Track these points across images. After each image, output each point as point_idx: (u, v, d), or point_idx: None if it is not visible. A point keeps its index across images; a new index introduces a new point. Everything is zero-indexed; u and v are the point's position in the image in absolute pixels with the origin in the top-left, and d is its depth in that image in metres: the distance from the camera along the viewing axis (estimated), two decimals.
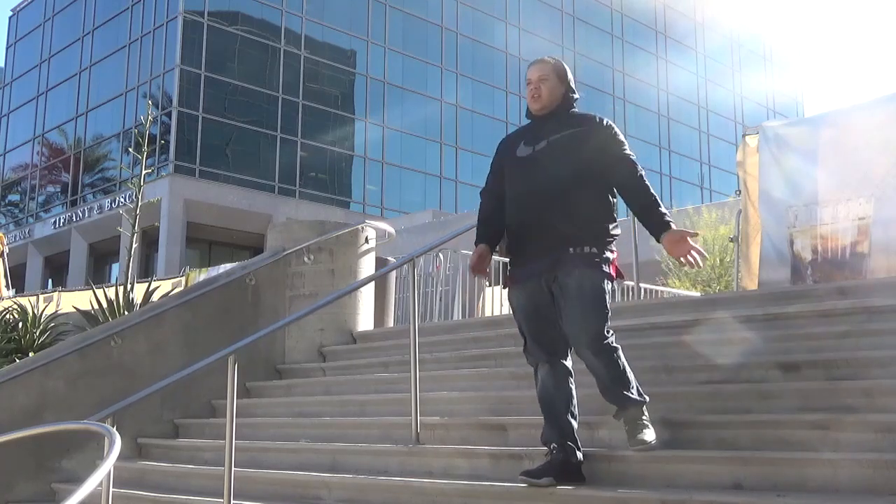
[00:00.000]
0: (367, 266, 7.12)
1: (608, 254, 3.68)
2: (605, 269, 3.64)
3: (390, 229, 7.78)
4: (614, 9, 48.74)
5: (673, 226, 3.57)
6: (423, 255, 6.06)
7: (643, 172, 3.77)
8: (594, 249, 3.63)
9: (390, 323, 7.88)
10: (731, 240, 9.14)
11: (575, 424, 3.61)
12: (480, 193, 4.03)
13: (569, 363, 3.73)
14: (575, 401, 3.67)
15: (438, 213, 28.68)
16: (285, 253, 6.86)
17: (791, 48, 58.60)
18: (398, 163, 39.63)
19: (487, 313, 9.54)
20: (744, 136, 8.07)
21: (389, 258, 7.92)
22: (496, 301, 10.08)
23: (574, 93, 3.92)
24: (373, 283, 7.14)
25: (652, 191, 3.72)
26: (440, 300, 9.43)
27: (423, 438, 4.49)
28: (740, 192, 8.16)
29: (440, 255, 9.28)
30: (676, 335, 4.85)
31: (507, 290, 3.93)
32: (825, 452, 3.28)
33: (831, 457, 3.22)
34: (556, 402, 3.63)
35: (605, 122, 3.86)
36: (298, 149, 36.23)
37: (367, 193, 38.69)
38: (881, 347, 3.98)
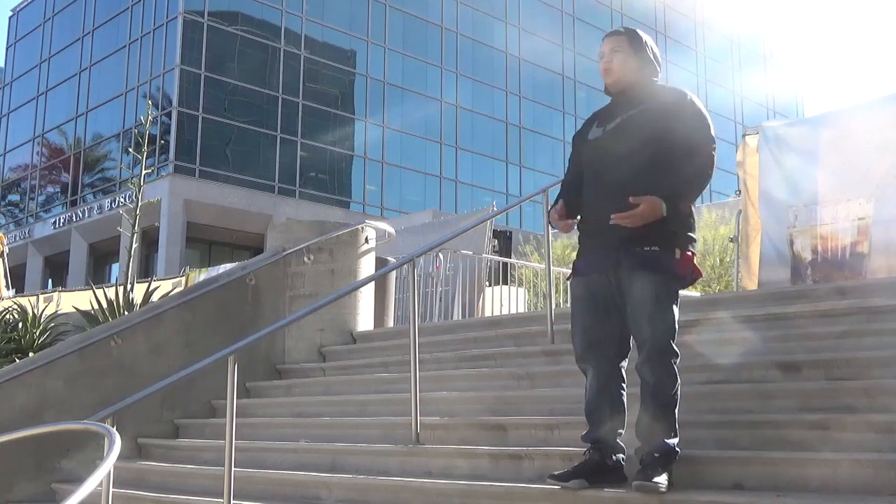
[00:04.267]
0: (367, 266, 7.12)
1: (677, 253, 3.32)
2: (671, 270, 3.31)
3: (390, 229, 7.78)
4: (614, 9, 48.72)
5: (663, 206, 3.27)
6: (423, 255, 6.05)
7: (710, 171, 3.37)
8: (655, 248, 3.29)
9: (390, 323, 7.88)
10: (731, 240, 9.15)
11: (620, 431, 3.43)
12: (561, 184, 3.69)
13: (621, 369, 3.47)
14: (623, 407, 3.45)
15: (438, 213, 28.60)
16: (285, 253, 6.86)
17: (791, 48, 58.60)
18: (398, 163, 39.61)
19: (487, 313, 9.54)
20: (744, 136, 8.08)
21: (389, 258, 7.92)
22: (496, 301, 10.09)
23: (656, 64, 3.52)
24: (373, 284, 7.13)
25: (695, 188, 3.40)
26: (440, 300, 9.42)
27: (423, 438, 4.48)
28: (740, 192, 8.17)
29: (440, 255, 9.27)
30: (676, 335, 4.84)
31: (569, 280, 3.64)
32: (825, 452, 3.28)
33: (831, 457, 3.22)
34: (598, 406, 3.42)
35: (688, 99, 3.41)
36: (298, 149, 36.21)
37: (367, 193, 38.66)
38: (881, 347, 3.98)
